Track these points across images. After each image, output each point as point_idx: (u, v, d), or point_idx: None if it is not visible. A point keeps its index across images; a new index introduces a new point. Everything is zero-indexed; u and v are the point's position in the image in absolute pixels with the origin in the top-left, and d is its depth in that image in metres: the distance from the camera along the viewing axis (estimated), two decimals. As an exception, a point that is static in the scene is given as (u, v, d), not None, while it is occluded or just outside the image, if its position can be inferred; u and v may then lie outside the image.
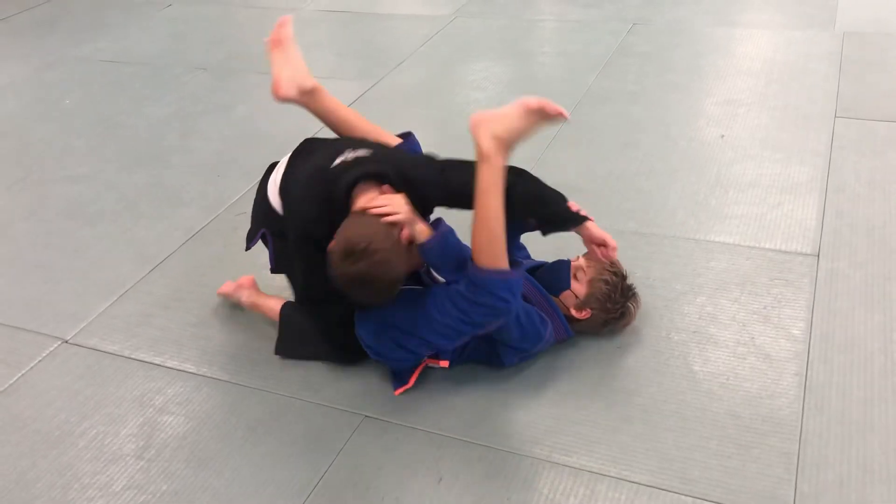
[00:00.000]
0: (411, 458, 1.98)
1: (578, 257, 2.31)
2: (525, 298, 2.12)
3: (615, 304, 2.21)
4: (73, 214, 3.16)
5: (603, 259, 2.23)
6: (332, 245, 1.94)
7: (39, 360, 2.40)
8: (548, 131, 3.45)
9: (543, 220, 2.23)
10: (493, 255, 1.93)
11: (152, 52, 4.77)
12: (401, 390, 2.14)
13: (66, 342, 2.46)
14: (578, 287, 2.22)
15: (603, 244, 2.23)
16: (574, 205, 2.25)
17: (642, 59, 4.11)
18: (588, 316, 2.22)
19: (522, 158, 3.24)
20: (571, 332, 2.24)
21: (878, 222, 2.70)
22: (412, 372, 2.15)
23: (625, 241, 2.69)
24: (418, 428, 2.06)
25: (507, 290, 1.93)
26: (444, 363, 2.15)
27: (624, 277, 2.25)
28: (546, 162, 3.23)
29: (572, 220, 2.22)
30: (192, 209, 3.10)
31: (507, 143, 1.97)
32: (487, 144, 1.93)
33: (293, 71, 2.33)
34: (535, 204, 2.17)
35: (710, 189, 2.97)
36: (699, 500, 1.81)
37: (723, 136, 3.31)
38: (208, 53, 4.68)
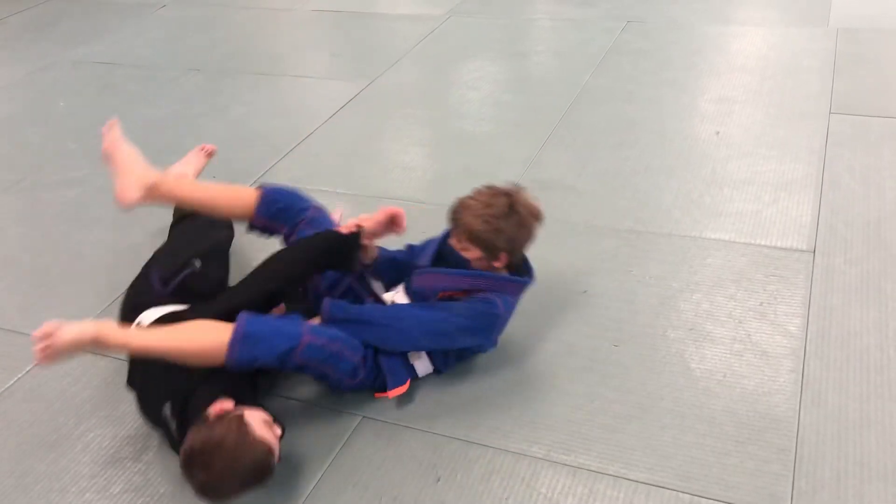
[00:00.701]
0: (409, 458, 1.98)
1: (452, 227, 2.13)
2: (467, 292, 2.09)
3: (511, 224, 2.05)
4: (68, 218, 3.15)
5: (400, 229, 2.17)
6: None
7: (35, 365, 2.39)
8: (542, 130, 3.46)
9: (334, 266, 2.15)
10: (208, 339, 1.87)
11: (146, 54, 4.76)
12: (395, 393, 2.13)
13: (63, 346, 2.46)
14: (472, 252, 2.09)
15: (390, 221, 2.16)
16: (337, 213, 2.29)
17: (637, 57, 4.12)
18: (507, 257, 2.10)
19: (516, 158, 3.26)
20: (527, 279, 2.20)
21: (874, 218, 2.71)
22: (405, 387, 2.11)
23: (621, 239, 2.70)
24: (416, 428, 2.06)
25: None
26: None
27: (482, 197, 2.07)
28: (541, 161, 3.24)
29: (352, 246, 2.12)
30: (188, 211, 3.09)
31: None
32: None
33: (132, 175, 2.26)
34: (311, 264, 2.11)
35: (706, 186, 2.97)
36: (697, 498, 1.81)
37: (718, 134, 3.32)
38: (203, 55, 4.67)
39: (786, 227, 2.69)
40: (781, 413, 2.00)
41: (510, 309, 2.17)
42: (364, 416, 2.10)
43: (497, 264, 2.13)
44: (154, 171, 2.22)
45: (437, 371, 2.18)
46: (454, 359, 2.19)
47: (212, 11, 5.35)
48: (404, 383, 2.09)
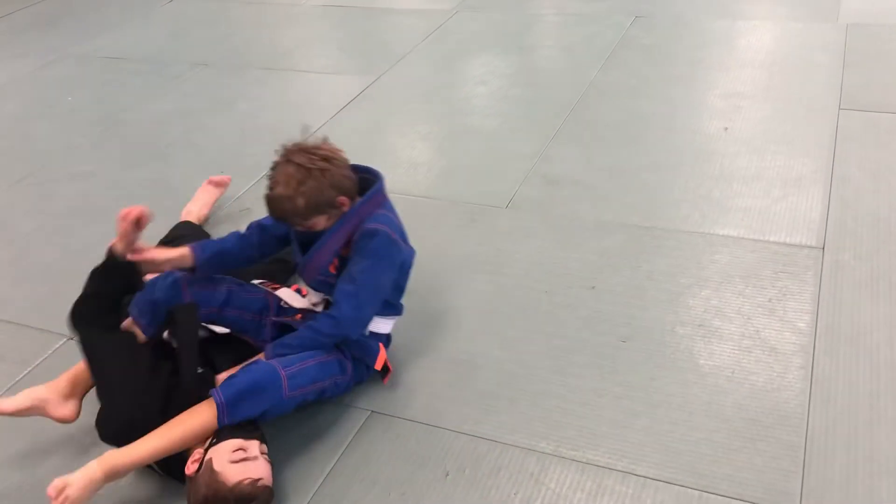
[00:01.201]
0: (417, 453, 1.98)
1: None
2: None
3: (315, 177, 1.91)
4: (77, 212, 3.16)
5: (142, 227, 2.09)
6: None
7: (45, 358, 2.40)
8: (550, 125, 3.45)
9: (127, 292, 2.15)
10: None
11: (153, 49, 4.76)
12: (388, 379, 2.16)
13: (72, 339, 2.46)
14: (315, 221, 1.97)
15: (135, 224, 2.09)
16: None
17: (645, 52, 4.10)
18: (345, 197, 1.97)
19: (524, 153, 3.26)
20: (376, 184, 2.06)
21: (883, 214, 2.69)
22: (382, 353, 2.12)
23: (629, 234, 2.70)
24: (424, 423, 2.06)
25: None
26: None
27: (274, 183, 1.95)
28: (549, 156, 3.23)
29: (116, 272, 2.14)
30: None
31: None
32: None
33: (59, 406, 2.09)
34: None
35: (714, 182, 2.96)
36: (706, 494, 1.81)
37: (726, 129, 3.31)
38: (209, 50, 4.67)
39: (795, 223, 2.68)
40: (791, 409, 2.00)
41: (391, 216, 2.06)
42: (372, 411, 2.10)
43: (345, 209, 1.99)
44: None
45: (395, 315, 2.16)
46: (396, 295, 2.15)
47: (218, 6, 5.35)
48: (377, 352, 2.10)
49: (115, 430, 1.89)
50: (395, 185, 3.12)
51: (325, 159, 1.94)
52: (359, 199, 2.04)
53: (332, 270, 2.03)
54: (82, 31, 5.14)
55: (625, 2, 4.74)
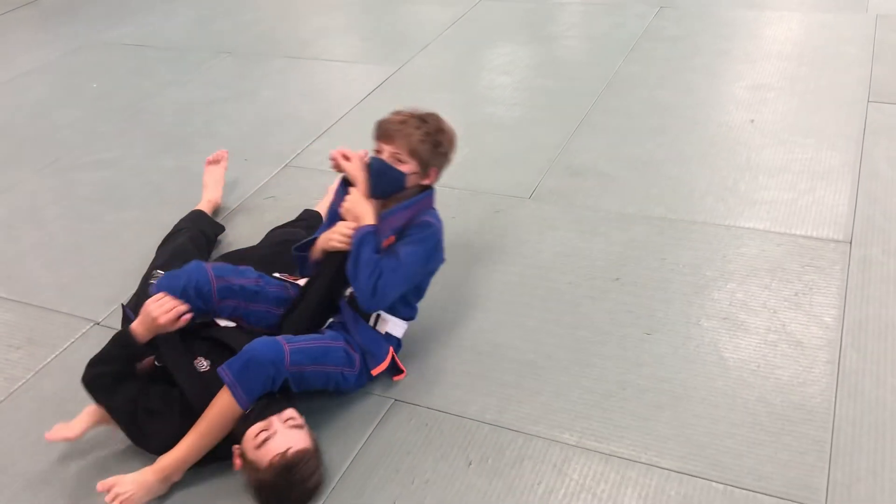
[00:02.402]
0: (440, 442, 1.98)
1: (380, 148, 2.14)
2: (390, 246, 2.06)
3: (442, 146, 2.14)
4: (101, 199, 3.18)
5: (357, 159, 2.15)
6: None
7: (72, 342, 2.43)
8: (574, 116, 3.43)
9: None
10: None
11: (177, 36, 4.78)
12: (399, 377, 2.16)
13: (98, 324, 2.49)
14: (408, 166, 2.09)
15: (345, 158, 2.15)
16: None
17: (670, 42, 4.07)
18: (436, 173, 2.16)
19: (547, 143, 3.24)
20: (432, 188, 2.18)
21: (912, 208, 2.66)
22: (388, 358, 2.12)
23: (652, 227, 2.68)
24: (447, 412, 2.06)
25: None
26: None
27: (414, 116, 2.14)
28: (572, 146, 3.21)
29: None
30: (223, 193, 3.09)
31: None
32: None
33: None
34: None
35: (740, 174, 2.93)
36: (730, 487, 1.80)
37: (752, 121, 3.27)
38: (233, 37, 4.69)
39: (822, 217, 2.65)
40: (817, 404, 1.98)
41: (439, 219, 2.17)
42: (395, 400, 2.11)
43: (426, 181, 2.14)
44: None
45: (409, 319, 2.19)
46: (415, 297, 2.19)
47: (241, -6, 5.36)
48: (385, 358, 2.10)
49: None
50: (419, 175, 3.13)
51: (454, 143, 2.22)
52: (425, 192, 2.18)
53: (384, 245, 2.06)
54: (107, 17, 5.17)
55: (650, -9, 4.70)
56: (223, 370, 1.89)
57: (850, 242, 2.52)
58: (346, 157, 2.13)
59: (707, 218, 2.71)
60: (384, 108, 3.64)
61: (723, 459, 1.87)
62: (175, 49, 4.59)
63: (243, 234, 2.86)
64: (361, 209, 2.05)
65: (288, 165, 3.29)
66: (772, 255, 2.50)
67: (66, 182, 3.34)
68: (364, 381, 2.12)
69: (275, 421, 1.85)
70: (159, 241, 2.70)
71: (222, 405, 1.88)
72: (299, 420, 1.89)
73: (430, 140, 2.11)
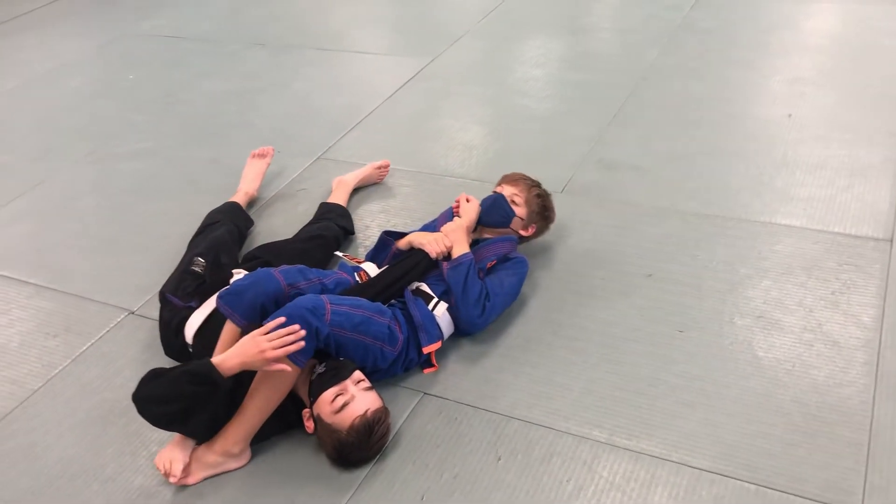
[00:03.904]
0: (470, 436, 1.98)
1: (502, 188, 2.48)
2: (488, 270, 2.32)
3: (548, 211, 2.49)
4: (136, 190, 3.22)
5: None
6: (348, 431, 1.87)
7: (107, 331, 2.46)
8: (607, 109, 3.40)
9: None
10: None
11: (210, 28, 4.82)
12: (429, 370, 2.17)
13: (133, 313, 2.53)
14: (520, 210, 2.42)
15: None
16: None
17: (705, 34, 4.01)
18: (533, 231, 2.46)
19: (580, 137, 3.22)
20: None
21: (955, 206, 2.60)
22: (430, 357, 2.18)
23: (686, 222, 2.65)
24: (476, 407, 2.06)
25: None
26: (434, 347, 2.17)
27: (538, 184, 2.50)
28: (605, 140, 3.18)
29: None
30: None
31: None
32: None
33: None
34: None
35: (776, 170, 2.89)
36: (763, 489, 1.78)
37: (790, 116, 3.22)
38: (265, 29, 4.71)
39: (861, 214, 2.60)
40: (854, 406, 1.94)
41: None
42: (425, 393, 2.11)
43: (524, 232, 2.46)
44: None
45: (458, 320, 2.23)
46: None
47: (275, -14, 5.38)
48: (438, 340, 2.16)
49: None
50: (450, 168, 3.13)
51: (552, 216, 2.54)
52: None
53: (489, 266, 2.33)
54: (143, 9, 5.23)
55: (686, -17, 4.63)
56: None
57: (891, 241, 2.47)
58: (468, 199, 2.45)
59: (742, 214, 2.67)
60: (415, 102, 3.67)
61: (756, 460, 1.84)
62: (209, 41, 4.62)
63: (276, 224, 2.87)
64: (459, 235, 2.30)
65: (320, 158, 3.30)
66: (808, 253, 2.46)
67: (102, 172, 3.39)
68: (400, 368, 2.13)
69: (349, 385, 1.90)
70: (193, 232, 2.73)
71: (277, 376, 1.89)
72: (367, 382, 1.95)
73: (542, 202, 2.47)
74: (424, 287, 2.25)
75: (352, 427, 1.85)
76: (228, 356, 1.84)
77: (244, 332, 1.95)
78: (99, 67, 4.48)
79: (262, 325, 1.90)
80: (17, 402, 2.24)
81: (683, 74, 3.64)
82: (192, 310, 2.20)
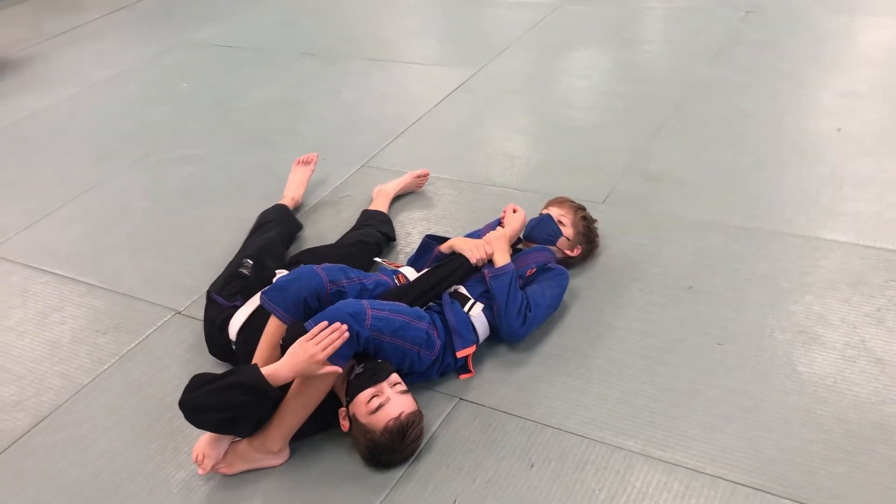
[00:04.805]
0: (504, 442, 1.99)
1: (548, 208, 2.57)
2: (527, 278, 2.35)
3: (594, 234, 2.55)
4: (187, 194, 3.31)
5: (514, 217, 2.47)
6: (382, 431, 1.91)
7: (154, 329, 2.54)
8: (652, 121, 3.39)
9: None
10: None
11: (263, 38, 4.94)
12: (465, 376, 2.19)
13: (180, 313, 2.60)
14: (567, 230, 2.49)
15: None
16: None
17: (755, 47, 3.97)
18: (580, 252, 2.51)
19: (624, 148, 3.21)
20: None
21: None
22: (466, 361, 2.20)
23: (729, 235, 2.63)
24: (511, 414, 2.07)
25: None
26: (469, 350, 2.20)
27: (584, 208, 2.58)
28: (648, 152, 3.17)
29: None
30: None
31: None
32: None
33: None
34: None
35: (824, 184, 2.84)
36: (799, 505, 1.76)
37: (839, 130, 3.16)
38: (316, 40, 4.80)
39: (910, 231, 2.55)
40: (896, 424, 1.91)
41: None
42: (460, 399, 2.13)
43: (570, 252, 2.50)
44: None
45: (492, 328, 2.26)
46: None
47: (326, -3, 5.50)
48: (472, 344, 2.18)
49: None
50: (491, 178, 3.15)
51: (596, 240, 2.61)
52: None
53: (528, 273, 2.36)
54: (198, 19, 5.38)
55: (736, -5, 4.60)
56: (309, 326, 1.93)
57: (940, 258, 2.42)
58: (515, 210, 2.51)
59: (787, 228, 2.64)
60: (460, 111, 3.71)
61: (793, 475, 1.82)
62: (261, 50, 4.73)
63: (320, 230, 2.93)
64: (501, 244, 2.34)
65: (365, 165, 3.35)
66: (853, 269, 2.41)
67: (154, 176, 3.50)
68: (436, 373, 2.16)
69: (385, 387, 1.93)
70: (241, 235, 2.80)
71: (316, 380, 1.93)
72: (403, 385, 1.98)
73: (588, 226, 2.55)
74: (462, 289, 2.27)
75: (385, 429, 1.88)
76: (279, 367, 1.87)
77: (287, 330, 2.01)
78: (154, 75, 4.62)
79: (304, 322, 1.96)
80: (67, 395, 2.32)
81: (731, 87, 3.61)
82: (236, 308, 2.26)
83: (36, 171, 3.68)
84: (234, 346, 2.22)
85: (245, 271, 2.41)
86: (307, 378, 1.92)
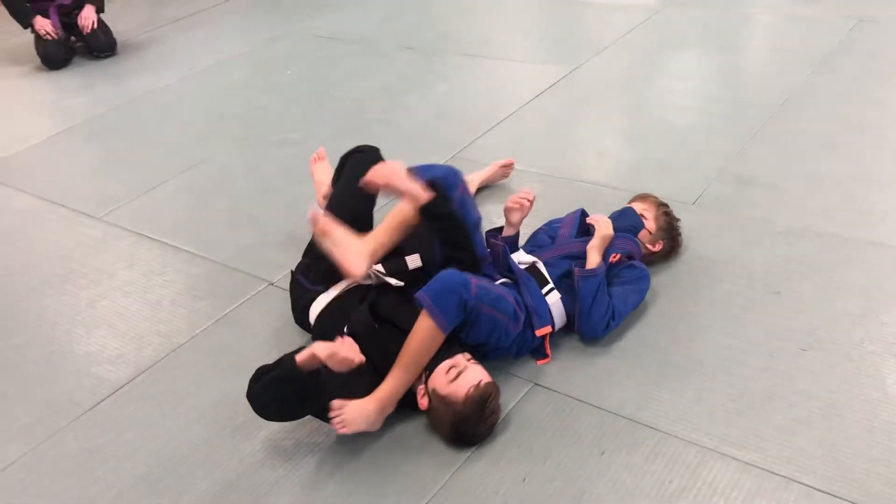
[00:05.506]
0: (576, 428, 2.02)
1: (632, 203, 2.61)
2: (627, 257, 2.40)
3: (676, 232, 2.54)
4: (285, 174, 3.45)
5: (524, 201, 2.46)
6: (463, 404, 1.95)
7: (248, 298, 2.67)
8: (749, 125, 3.33)
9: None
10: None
11: (365, 31, 5.07)
12: (542, 361, 2.22)
13: (272, 284, 2.72)
14: (649, 224, 2.50)
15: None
16: None
17: (865, 58, 3.84)
18: (661, 247, 2.50)
19: (717, 151, 3.17)
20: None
21: None
22: (543, 345, 2.23)
23: (822, 243, 2.57)
24: (584, 402, 2.09)
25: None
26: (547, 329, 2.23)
27: (667, 205, 2.59)
28: (744, 157, 3.12)
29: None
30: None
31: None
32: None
33: (352, 249, 2.20)
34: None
35: (928, 198, 2.74)
36: (877, 515, 1.71)
37: (949, 144, 3.04)
38: (416, 34, 4.90)
39: None
40: None
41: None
42: (535, 384, 2.16)
43: (651, 247, 2.50)
44: (365, 240, 2.23)
45: (569, 317, 2.28)
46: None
47: (430, -6, 5.60)
48: (549, 323, 2.21)
49: None
50: (580, 173, 3.17)
51: (680, 238, 2.60)
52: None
53: (612, 259, 2.36)
54: (305, 10, 5.57)
55: (848, 5, 4.45)
56: (422, 295, 2.00)
57: None
58: (530, 200, 2.53)
59: (884, 240, 2.55)
60: (554, 108, 3.74)
61: (874, 486, 1.78)
62: (362, 42, 4.87)
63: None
64: (600, 245, 2.34)
65: (455, 157, 3.42)
66: (955, 284, 2.33)
67: (255, 157, 3.66)
68: (518, 349, 2.19)
69: (461, 359, 2.00)
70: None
71: (424, 332, 1.99)
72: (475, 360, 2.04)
73: (670, 222, 2.55)
74: (541, 267, 2.30)
75: (467, 397, 1.93)
76: (307, 356, 1.91)
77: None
78: (261, 62, 4.82)
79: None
80: (165, 352, 2.47)
81: (835, 96, 3.50)
82: (318, 293, 2.34)
83: (146, 146, 3.90)
84: (311, 330, 2.31)
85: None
86: (412, 342, 1.99)
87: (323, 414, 2.00)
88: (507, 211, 2.47)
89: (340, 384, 1.99)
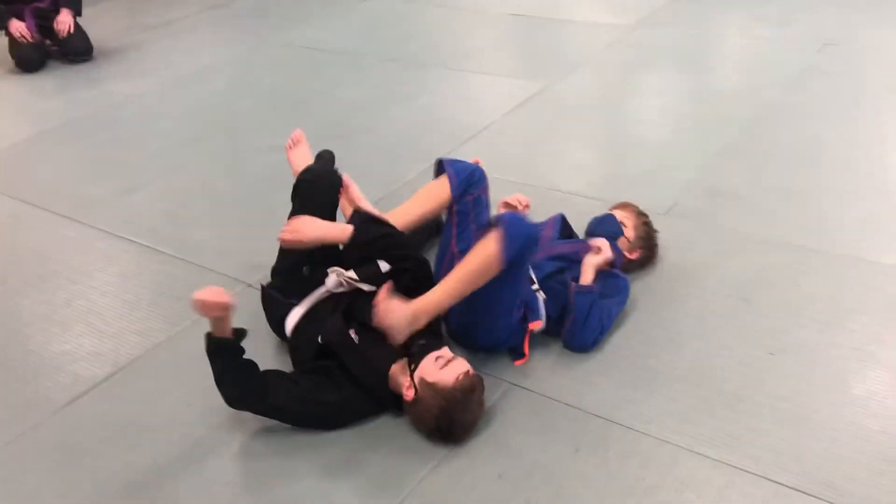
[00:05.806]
0: (551, 427, 2.06)
1: (612, 210, 2.64)
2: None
3: (653, 242, 2.59)
4: (266, 180, 3.47)
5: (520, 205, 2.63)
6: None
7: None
8: (721, 141, 3.41)
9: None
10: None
11: (348, 42, 5.12)
12: (520, 362, 2.26)
13: (249, 286, 2.74)
14: (628, 232, 2.54)
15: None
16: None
17: (830, 79, 3.96)
18: (638, 256, 2.55)
19: (689, 165, 3.25)
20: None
21: None
22: (522, 344, 2.27)
23: (791, 254, 2.65)
24: (560, 401, 2.13)
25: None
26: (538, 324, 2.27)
27: (646, 215, 2.62)
28: (717, 168, 3.21)
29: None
30: (373, 183, 3.29)
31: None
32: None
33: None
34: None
35: (893, 212, 2.83)
36: (843, 511, 1.77)
37: (913, 162, 3.15)
38: (398, 47, 4.97)
39: (979, 262, 2.53)
40: (948, 443, 1.90)
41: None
42: (511, 384, 2.20)
43: (628, 255, 2.54)
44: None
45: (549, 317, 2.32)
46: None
47: (410, 7, 5.67)
48: (540, 318, 2.26)
49: None
50: (557, 183, 3.23)
51: (656, 249, 2.66)
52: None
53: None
54: (288, 21, 5.62)
55: (814, 28, 4.60)
56: (504, 221, 2.03)
57: None
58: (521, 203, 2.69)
59: (853, 251, 2.64)
60: (531, 121, 3.80)
61: (839, 483, 1.84)
62: (345, 53, 4.92)
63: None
64: (597, 265, 2.39)
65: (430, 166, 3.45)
66: (917, 294, 2.41)
67: (237, 162, 3.68)
68: (509, 338, 2.24)
69: (447, 350, 2.05)
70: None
71: (487, 257, 2.02)
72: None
73: (648, 231, 2.59)
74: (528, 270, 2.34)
75: (457, 382, 1.95)
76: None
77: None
78: (242, 71, 4.84)
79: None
80: (143, 350, 2.48)
81: (804, 115, 3.61)
82: (292, 306, 2.34)
83: (125, 151, 3.90)
84: (288, 342, 2.31)
85: (305, 273, 2.46)
86: (471, 262, 2.04)
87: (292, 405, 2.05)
88: (503, 206, 2.59)
89: (311, 387, 2.07)
